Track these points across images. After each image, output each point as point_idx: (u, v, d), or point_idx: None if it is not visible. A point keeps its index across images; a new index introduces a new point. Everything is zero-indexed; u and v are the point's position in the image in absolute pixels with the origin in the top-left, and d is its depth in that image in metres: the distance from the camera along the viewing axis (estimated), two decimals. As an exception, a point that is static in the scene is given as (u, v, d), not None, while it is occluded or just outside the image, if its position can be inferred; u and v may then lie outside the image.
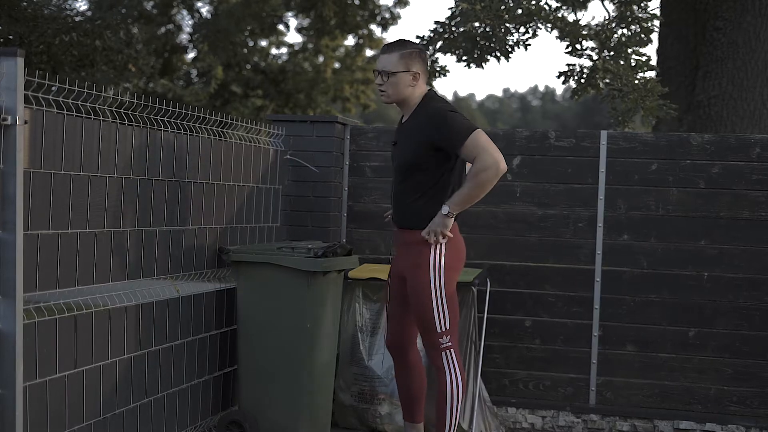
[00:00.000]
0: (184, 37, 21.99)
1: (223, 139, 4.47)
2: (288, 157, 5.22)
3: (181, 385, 4.13)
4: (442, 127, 3.79)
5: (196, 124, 4.20)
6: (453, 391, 3.93)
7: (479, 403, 4.77)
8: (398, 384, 4.24)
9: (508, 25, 7.44)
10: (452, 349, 3.93)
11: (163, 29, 21.02)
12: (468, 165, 3.92)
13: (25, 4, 10.80)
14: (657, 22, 7.46)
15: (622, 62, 7.20)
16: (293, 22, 22.39)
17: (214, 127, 4.33)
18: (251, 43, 21.95)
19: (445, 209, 3.79)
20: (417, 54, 3.94)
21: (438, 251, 3.87)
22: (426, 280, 3.88)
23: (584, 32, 7.29)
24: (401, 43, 3.95)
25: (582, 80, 7.55)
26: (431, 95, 3.98)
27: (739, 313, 4.98)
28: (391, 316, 4.18)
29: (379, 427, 4.83)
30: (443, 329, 3.90)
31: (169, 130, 4.00)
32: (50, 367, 3.25)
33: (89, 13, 12.00)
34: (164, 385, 4.00)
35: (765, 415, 4.96)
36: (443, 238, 3.82)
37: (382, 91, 3.94)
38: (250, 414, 4.37)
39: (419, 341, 4.18)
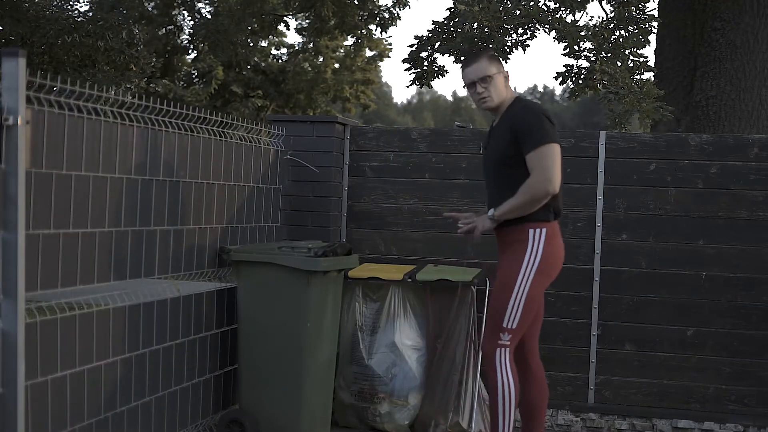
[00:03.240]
0: (184, 37, 22.01)
1: (223, 139, 4.49)
2: (288, 157, 5.24)
3: (181, 384, 4.15)
4: (522, 126, 3.85)
5: (197, 124, 4.22)
6: (504, 389, 3.91)
7: (478, 401, 4.79)
8: (522, 394, 4.11)
9: (506, 26, 7.45)
10: (508, 349, 3.92)
11: (163, 30, 21.04)
12: None
13: (27, 5, 10.83)
14: (655, 24, 7.47)
15: (619, 63, 7.21)
16: (293, 23, 22.40)
17: (214, 128, 4.35)
18: (251, 44, 21.96)
19: (491, 212, 3.92)
20: (497, 57, 4.07)
21: (536, 251, 3.88)
22: (515, 273, 3.88)
23: (582, 33, 7.30)
24: (480, 50, 4.14)
25: (580, 81, 7.57)
26: (521, 98, 4.06)
27: (737, 312, 5.00)
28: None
29: (378, 426, 4.85)
30: (509, 326, 3.89)
31: (170, 130, 4.02)
32: (52, 365, 3.26)
33: (91, 14, 12.00)
34: (165, 383, 4.01)
35: (763, 414, 4.98)
36: (474, 235, 3.98)
37: (485, 98, 3.99)
38: (250, 413, 4.39)
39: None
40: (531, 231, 3.89)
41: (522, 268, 3.87)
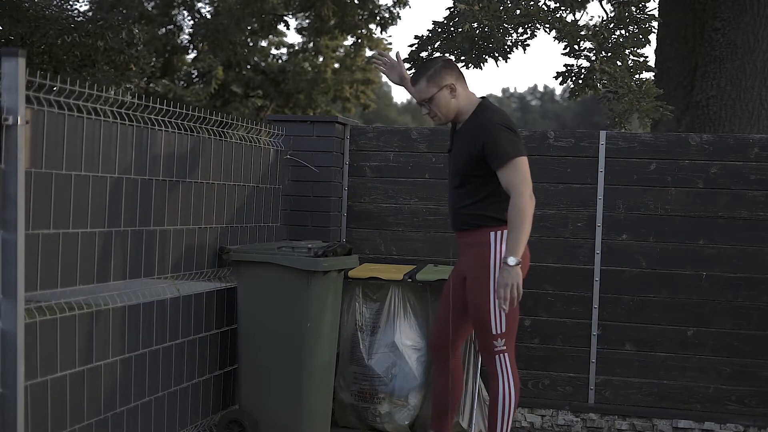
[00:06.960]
0: (184, 37, 22.02)
1: (223, 139, 4.49)
2: (288, 157, 5.24)
3: (181, 384, 4.15)
4: (487, 142, 3.82)
5: (197, 124, 4.22)
6: (505, 397, 3.92)
7: (478, 402, 4.78)
8: (434, 389, 4.26)
9: (506, 25, 7.44)
10: (506, 354, 3.93)
11: (163, 30, 21.05)
12: None
13: (27, 5, 10.84)
14: (655, 23, 7.46)
15: (619, 63, 7.20)
16: (293, 23, 22.43)
17: (214, 127, 4.35)
18: (251, 43, 21.96)
19: (511, 261, 3.64)
20: (442, 68, 3.98)
21: (500, 253, 3.83)
22: (486, 279, 3.86)
23: (582, 33, 7.29)
24: (423, 67, 4.01)
25: (580, 81, 7.56)
26: (485, 104, 4.01)
27: (737, 312, 5.00)
28: (441, 316, 4.18)
29: (378, 426, 4.85)
30: (498, 332, 3.89)
31: (170, 130, 4.01)
32: (51, 366, 3.26)
33: (90, 14, 12.01)
34: (165, 384, 4.01)
35: (763, 414, 4.97)
36: (517, 294, 3.66)
37: (433, 117, 4.02)
38: (250, 413, 4.38)
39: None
40: (492, 234, 3.89)
41: (491, 272, 3.85)
